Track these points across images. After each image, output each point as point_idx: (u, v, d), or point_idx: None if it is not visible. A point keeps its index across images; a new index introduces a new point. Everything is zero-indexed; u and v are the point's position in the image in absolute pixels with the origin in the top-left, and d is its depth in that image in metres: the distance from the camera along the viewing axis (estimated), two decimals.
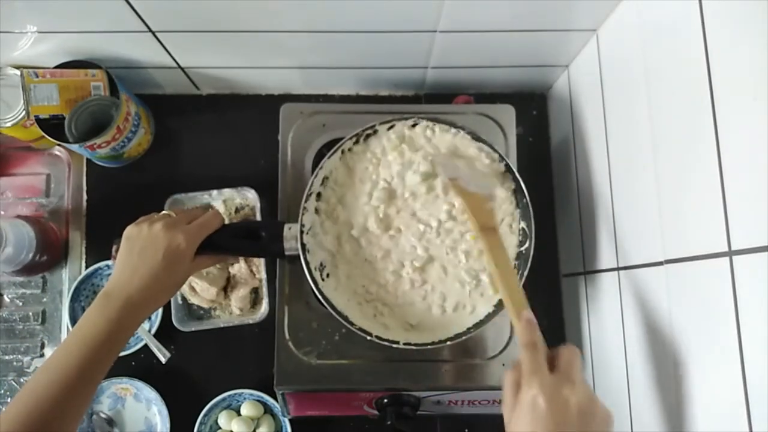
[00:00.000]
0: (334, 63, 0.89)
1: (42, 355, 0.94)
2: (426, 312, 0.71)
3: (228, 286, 0.89)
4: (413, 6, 0.71)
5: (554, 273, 0.95)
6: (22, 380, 0.93)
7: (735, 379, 0.48)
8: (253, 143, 0.96)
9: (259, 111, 0.97)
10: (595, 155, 0.79)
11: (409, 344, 0.68)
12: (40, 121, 0.84)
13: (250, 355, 0.91)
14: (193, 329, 0.87)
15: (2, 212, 0.96)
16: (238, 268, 0.87)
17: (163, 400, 0.88)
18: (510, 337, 0.74)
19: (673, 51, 0.57)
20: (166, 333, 0.89)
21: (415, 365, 0.73)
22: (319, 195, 0.72)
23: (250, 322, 0.87)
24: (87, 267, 0.92)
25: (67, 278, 0.95)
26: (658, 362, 0.63)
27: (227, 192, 0.90)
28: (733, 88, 0.48)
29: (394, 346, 0.68)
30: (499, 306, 0.69)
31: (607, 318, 0.77)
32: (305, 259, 0.69)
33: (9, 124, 0.86)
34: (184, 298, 0.88)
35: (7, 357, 0.93)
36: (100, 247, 0.93)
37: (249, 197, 0.90)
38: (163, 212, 0.73)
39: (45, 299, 0.95)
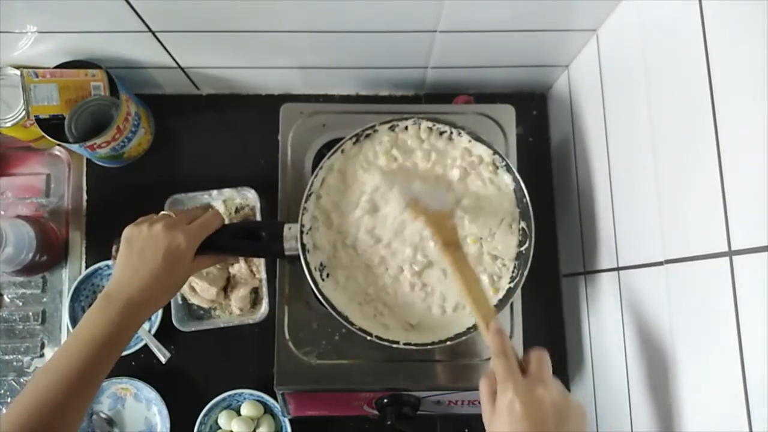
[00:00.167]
0: (334, 63, 0.89)
1: (42, 356, 0.93)
2: (426, 312, 0.71)
3: (228, 286, 0.89)
4: (413, 6, 0.71)
5: (554, 273, 0.95)
6: (22, 380, 0.93)
7: (735, 379, 0.48)
8: (253, 143, 0.96)
9: (259, 111, 0.97)
10: (595, 155, 0.79)
11: (409, 344, 0.68)
12: (40, 121, 0.84)
13: (250, 355, 0.91)
14: (193, 329, 0.87)
15: (2, 212, 0.96)
16: (238, 268, 0.87)
17: (163, 400, 0.88)
18: (509, 337, 0.73)
19: (673, 51, 0.57)
20: (166, 333, 0.89)
21: (415, 365, 0.73)
22: (318, 196, 0.72)
23: (250, 322, 0.87)
24: (87, 267, 0.92)
25: (67, 278, 0.95)
26: (658, 362, 0.63)
27: (227, 192, 0.90)
28: (733, 88, 0.48)
29: (394, 346, 0.68)
30: (499, 305, 0.70)
31: (607, 318, 0.77)
32: (305, 259, 0.69)
33: (9, 124, 0.86)
34: (184, 298, 0.88)
35: (7, 357, 0.93)
36: (100, 247, 0.93)
37: (249, 197, 0.90)
38: (163, 212, 0.73)
39: (45, 299, 0.95)
